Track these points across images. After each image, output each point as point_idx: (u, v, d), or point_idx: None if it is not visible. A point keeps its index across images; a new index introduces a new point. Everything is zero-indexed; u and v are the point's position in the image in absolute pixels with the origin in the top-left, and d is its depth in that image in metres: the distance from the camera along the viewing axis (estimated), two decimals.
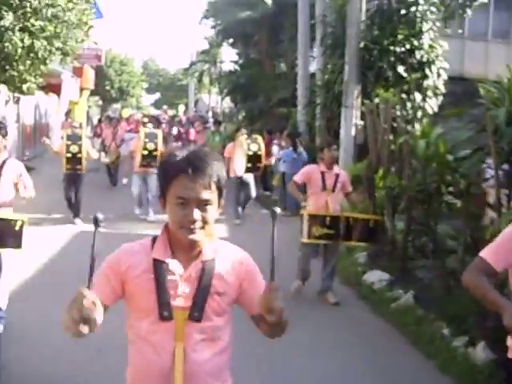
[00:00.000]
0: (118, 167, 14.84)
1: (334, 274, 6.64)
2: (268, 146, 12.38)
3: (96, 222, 1.94)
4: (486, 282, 2.58)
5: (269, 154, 12.04)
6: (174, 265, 2.10)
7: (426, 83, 11.75)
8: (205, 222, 2.06)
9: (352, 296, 6.80)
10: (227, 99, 25.21)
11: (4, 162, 5.59)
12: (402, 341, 5.45)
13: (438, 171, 5.83)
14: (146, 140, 10.31)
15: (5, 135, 5.60)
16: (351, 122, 10.65)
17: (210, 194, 2.05)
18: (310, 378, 4.65)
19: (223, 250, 2.18)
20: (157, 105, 60.58)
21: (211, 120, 29.30)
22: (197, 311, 2.08)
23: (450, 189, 6.14)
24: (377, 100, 10.16)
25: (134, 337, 2.16)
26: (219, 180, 2.07)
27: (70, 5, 12.60)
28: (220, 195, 2.10)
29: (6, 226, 5.36)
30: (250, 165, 10.19)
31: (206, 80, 34.70)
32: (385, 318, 5.96)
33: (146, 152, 10.24)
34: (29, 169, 17.69)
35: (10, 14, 10.91)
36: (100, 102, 40.37)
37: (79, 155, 9.88)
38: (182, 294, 2.09)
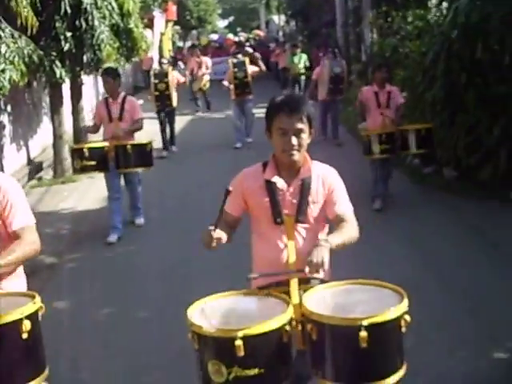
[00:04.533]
0: (206, 92, 15.42)
1: (387, 183, 7.20)
2: (317, 58, 15.70)
3: (226, 193, 2.55)
4: None
5: (319, 64, 13.80)
6: (280, 183, 2.73)
7: (429, 3, 15.59)
8: (300, 146, 2.66)
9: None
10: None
11: (124, 100, 6.35)
12: None
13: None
14: (235, 70, 10.45)
15: (119, 78, 6.40)
16: (368, 38, 15.06)
17: (302, 125, 2.64)
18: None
19: (316, 168, 2.78)
20: (231, 28, 63.36)
21: (282, 40, 32.62)
22: (301, 216, 2.72)
23: None
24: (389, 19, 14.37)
25: (257, 236, 2.86)
26: (308, 115, 2.67)
27: None
28: (310, 126, 2.69)
29: (140, 149, 6.26)
30: (332, 86, 10.44)
31: (273, 4, 38.46)
32: None
33: (237, 81, 10.42)
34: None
35: None
36: (180, 31, 44.58)
37: (167, 92, 10.08)
38: (288, 204, 2.72)
